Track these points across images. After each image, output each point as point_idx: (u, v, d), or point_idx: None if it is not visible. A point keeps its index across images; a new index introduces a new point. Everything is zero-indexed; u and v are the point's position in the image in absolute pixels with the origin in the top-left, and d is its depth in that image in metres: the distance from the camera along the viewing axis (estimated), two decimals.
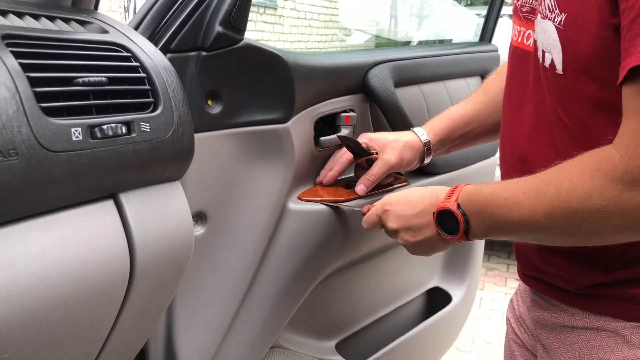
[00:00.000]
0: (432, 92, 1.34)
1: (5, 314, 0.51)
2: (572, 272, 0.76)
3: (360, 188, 1.03)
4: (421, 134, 1.04)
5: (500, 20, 1.67)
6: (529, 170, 0.70)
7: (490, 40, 1.64)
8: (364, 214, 0.94)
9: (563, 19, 0.66)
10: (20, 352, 0.55)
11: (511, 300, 0.98)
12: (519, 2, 0.79)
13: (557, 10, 0.67)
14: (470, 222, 0.74)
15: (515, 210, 0.68)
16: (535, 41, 0.74)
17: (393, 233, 0.86)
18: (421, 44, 2.61)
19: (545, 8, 0.69)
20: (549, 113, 0.73)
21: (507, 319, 0.98)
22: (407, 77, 1.25)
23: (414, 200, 0.83)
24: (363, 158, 1.03)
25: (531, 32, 0.75)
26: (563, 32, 0.66)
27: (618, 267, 0.73)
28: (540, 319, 0.85)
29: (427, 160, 1.06)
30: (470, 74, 1.49)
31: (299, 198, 1.04)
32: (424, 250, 0.84)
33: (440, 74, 1.37)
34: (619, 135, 0.60)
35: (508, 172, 0.82)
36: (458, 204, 0.75)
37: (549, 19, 0.68)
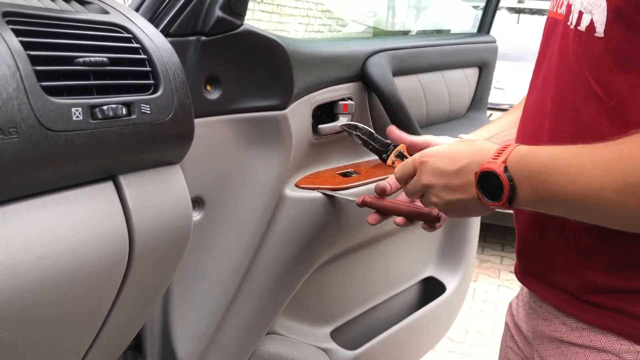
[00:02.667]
0: (430, 82, 1.34)
1: (3, 292, 0.51)
2: (578, 259, 0.70)
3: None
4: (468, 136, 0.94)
5: (497, 12, 1.66)
6: None
7: (488, 31, 1.64)
8: (358, 205, 0.93)
9: None
10: (18, 331, 0.55)
11: (510, 304, 0.91)
12: None
13: None
14: (517, 188, 0.64)
15: (579, 182, 0.58)
16: (568, 5, 0.67)
17: (426, 188, 0.75)
18: (419, 33, 2.61)
19: None
20: (574, 84, 0.66)
21: (506, 323, 0.92)
22: (406, 66, 1.25)
23: (456, 155, 0.72)
24: (391, 154, 0.92)
25: None
26: None
27: (623, 269, 0.66)
28: (537, 329, 0.79)
29: None
30: (468, 65, 1.49)
31: (297, 185, 1.04)
32: (459, 212, 0.75)
33: (439, 64, 1.37)
34: None
35: None
36: (505, 167, 0.64)
37: None
